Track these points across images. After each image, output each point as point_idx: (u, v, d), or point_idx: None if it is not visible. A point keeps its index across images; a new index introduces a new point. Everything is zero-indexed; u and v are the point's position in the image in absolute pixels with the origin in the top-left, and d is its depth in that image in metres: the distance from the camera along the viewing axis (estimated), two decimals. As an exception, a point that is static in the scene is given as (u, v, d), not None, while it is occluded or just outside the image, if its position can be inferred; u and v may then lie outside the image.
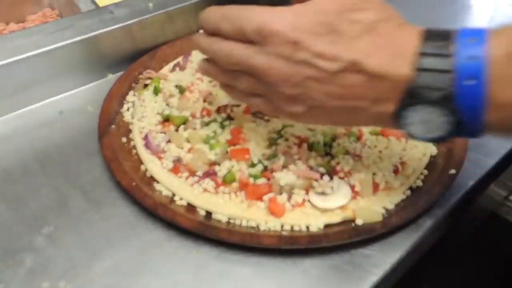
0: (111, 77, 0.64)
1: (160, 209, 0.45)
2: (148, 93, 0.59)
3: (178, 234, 0.45)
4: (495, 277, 1.05)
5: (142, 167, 0.51)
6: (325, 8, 0.37)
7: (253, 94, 0.43)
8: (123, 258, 0.43)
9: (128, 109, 0.58)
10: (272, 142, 0.51)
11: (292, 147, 0.51)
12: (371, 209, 0.46)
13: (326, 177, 0.48)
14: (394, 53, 0.36)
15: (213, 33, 0.43)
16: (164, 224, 0.46)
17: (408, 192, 0.48)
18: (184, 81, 0.60)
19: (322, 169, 0.49)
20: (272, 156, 0.50)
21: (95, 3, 0.70)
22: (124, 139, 0.54)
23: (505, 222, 1.32)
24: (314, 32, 0.37)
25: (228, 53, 0.41)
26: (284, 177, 0.48)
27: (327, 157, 0.51)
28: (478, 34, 0.35)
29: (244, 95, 0.45)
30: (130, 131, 0.55)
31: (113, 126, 0.54)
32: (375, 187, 0.48)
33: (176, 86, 0.59)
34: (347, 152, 0.51)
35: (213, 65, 0.46)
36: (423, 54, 0.35)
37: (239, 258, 0.43)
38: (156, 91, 0.58)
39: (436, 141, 0.39)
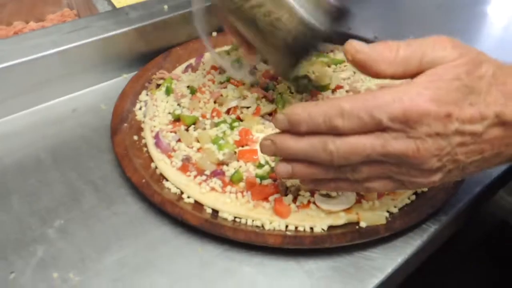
0: (125, 77, 0.66)
1: (168, 206, 0.46)
2: (160, 93, 0.60)
3: (185, 231, 0.46)
4: (505, 285, 1.04)
5: (152, 165, 0.52)
6: (456, 74, 0.36)
7: (372, 179, 0.40)
8: (131, 252, 0.44)
9: (140, 108, 0.59)
10: None
11: None
12: (375, 212, 0.46)
13: (332, 180, 0.48)
14: None
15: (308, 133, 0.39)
16: (171, 221, 0.47)
17: (413, 197, 0.49)
18: (196, 82, 0.61)
19: (328, 172, 0.49)
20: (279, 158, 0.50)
21: (112, 5, 0.72)
22: (135, 137, 0.55)
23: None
24: (457, 100, 0.36)
25: (358, 148, 0.37)
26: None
27: None
28: None
29: (355, 184, 0.41)
30: (141, 129, 0.56)
31: (125, 124, 0.56)
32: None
33: (188, 87, 0.60)
34: None
35: (308, 166, 0.41)
36: None
37: (243, 257, 0.44)
38: (168, 91, 0.60)
39: None
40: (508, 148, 0.39)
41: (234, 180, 0.49)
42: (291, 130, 0.40)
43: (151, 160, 0.52)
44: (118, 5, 0.71)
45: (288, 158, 0.41)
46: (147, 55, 0.66)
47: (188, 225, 0.45)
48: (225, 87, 0.60)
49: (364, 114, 0.36)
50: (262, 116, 0.56)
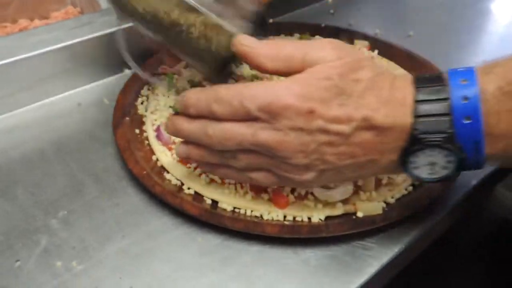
0: (128, 72, 0.67)
1: (169, 197, 0.47)
2: (161, 88, 0.61)
3: (185, 221, 0.47)
4: (507, 283, 1.04)
5: (153, 157, 0.53)
6: (327, 74, 0.38)
7: (253, 169, 0.42)
8: (132, 242, 0.45)
9: (142, 102, 0.60)
10: None
11: None
12: (372, 203, 0.47)
13: (330, 172, 0.49)
14: (395, 104, 0.38)
15: (197, 116, 0.42)
16: (171, 211, 0.48)
17: (410, 188, 0.49)
18: (197, 77, 0.62)
19: (326, 164, 0.50)
20: None
21: (114, 1, 0.73)
22: (137, 131, 0.56)
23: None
24: (324, 98, 0.37)
25: (230, 134, 0.40)
26: None
27: None
28: (468, 75, 0.37)
29: (240, 173, 0.43)
30: (143, 123, 0.57)
31: (127, 118, 0.57)
32: (378, 182, 0.49)
33: (189, 81, 0.61)
34: None
35: (197, 148, 0.44)
36: (421, 101, 0.37)
37: (242, 246, 0.45)
38: (170, 86, 0.61)
39: (441, 180, 0.40)
40: (383, 157, 0.39)
41: None
42: (184, 112, 0.43)
43: (152, 153, 0.53)
44: (121, 2, 0.72)
45: (184, 139, 0.44)
46: (150, 51, 0.67)
47: (188, 216, 0.46)
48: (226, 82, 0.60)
49: (236, 102, 0.39)
50: None
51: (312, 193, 0.48)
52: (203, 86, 0.60)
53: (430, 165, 0.39)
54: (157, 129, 0.55)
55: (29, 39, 0.61)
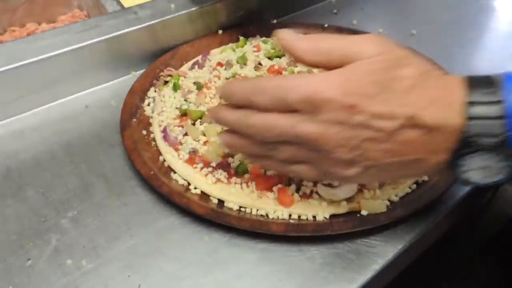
0: (134, 74, 0.68)
1: (176, 197, 0.48)
2: (168, 89, 0.62)
3: (192, 221, 0.48)
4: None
5: (160, 158, 0.54)
6: (371, 68, 0.37)
7: (294, 162, 0.42)
8: (140, 241, 0.46)
9: (148, 104, 0.61)
10: None
11: None
12: (376, 201, 0.48)
13: (334, 171, 0.50)
14: (444, 104, 0.37)
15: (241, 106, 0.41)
16: (179, 211, 0.49)
17: (414, 186, 0.50)
18: (202, 78, 0.63)
19: (330, 163, 0.50)
20: None
21: (120, 5, 0.74)
22: (144, 132, 0.57)
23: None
24: (367, 93, 0.36)
25: (270, 125, 0.39)
26: None
27: None
28: None
29: (282, 164, 0.43)
30: (150, 124, 0.58)
31: (134, 120, 0.58)
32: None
33: (194, 83, 0.62)
34: None
35: (240, 138, 0.43)
36: (472, 103, 0.36)
37: (248, 244, 0.46)
38: (176, 88, 0.62)
39: (496, 184, 0.38)
40: (431, 157, 0.38)
41: (239, 171, 0.50)
42: (227, 101, 0.43)
43: (159, 153, 0.54)
44: (126, 5, 0.73)
45: (227, 127, 0.44)
46: (155, 53, 0.68)
47: (195, 215, 0.47)
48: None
49: (277, 93, 0.38)
50: None
51: (317, 192, 0.49)
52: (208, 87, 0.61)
53: (482, 169, 0.38)
54: (164, 130, 0.56)
55: (37, 43, 0.62)
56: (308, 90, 0.37)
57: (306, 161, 0.41)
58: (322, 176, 0.42)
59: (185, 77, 0.64)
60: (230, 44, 0.70)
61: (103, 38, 0.64)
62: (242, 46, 0.69)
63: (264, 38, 0.71)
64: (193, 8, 0.70)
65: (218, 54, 0.68)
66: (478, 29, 0.81)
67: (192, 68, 0.66)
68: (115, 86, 0.67)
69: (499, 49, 0.76)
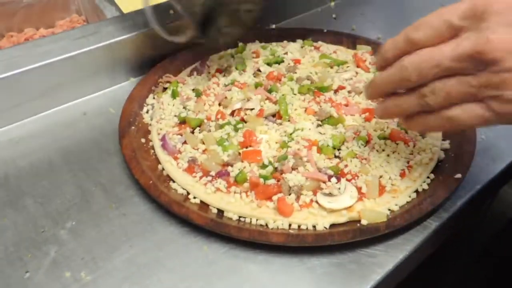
0: (133, 81, 0.68)
1: (175, 206, 0.48)
2: (166, 96, 0.62)
3: (191, 230, 0.48)
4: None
5: (159, 167, 0.53)
6: None
7: (455, 104, 0.38)
8: (140, 251, 0.46)
9: (147, 111, 0.61)
10: (283, 145, 0.54)
11: (302, 150, 0.53)
12: (376, 210, 0.47)
13: (333, 179, 0.50)
14: None
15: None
16: (178, 221, 0.48)
17: (414, 195, 0.50)
18: (201, 85, 0.62)
19: (330, 171, 0.50)
20: (283, 158, 0.52)
21: (119, 10, 0.74)
22: (143, 140, 0.57)
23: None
24: None
25: (425, 57, 0.37)
26: (293, 178, 0.50)
27: (335, 159, 0.52)
28: None
29: (440, 116, 0.39)
30: (148, 132, 0.58)
31: (133, 127, 0.58)
32: (381, 190, 0.50)
33: (193, 89, 0.62)
34: (355, 155, 0.52)
35: (393, 98, 0.42)
36: None
37: (247, 255, 0.45)
38: (174, 95, 0.61)
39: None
40: None
41: (239, 180, 0.50)
42: (382, 62, 0.42)
43: (158, 162, 0.54)
44: (125, 11, 0.73)
45: (381, 90, 0.43)
46: (154, 59, 0.68)
47: (194, 225, 0.47)
48: (230, 90, 0.61)
49: (436, 20, 0.37)
50: (266, 117, 0.57)
51: (316, 201, 0.48)
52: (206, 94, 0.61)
53: None
54: (163, 138, 0.55)
55: (35, 49, 0.62)
56: (468, 2, 0.35)
57: (469, 97, 0.37)
58: (488, 114, 0.37)
59: (183, 83, 0.64)
60: (229, 50, 0.70)
61: (101, 44, 0.64)
62: (241, 52, 0.69)
63: (263, 44, 0.71)
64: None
65: (216, 60, 0.68)
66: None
67: (191, 74, 0.66)
68: (114, 93, 0.66)
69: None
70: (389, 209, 0.48)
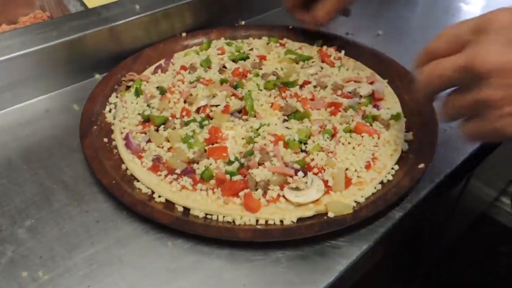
0: (98, 77, 0.66)
1: (139, 206, 0.47)
2: (129, 95, 0.61)
3: (155, 227, 0.47)
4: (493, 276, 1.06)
5: (123, 166, 0.52)
6: None
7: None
8: (101, 249, 0.44)
9: (110, 111, 0.59)
10: (249, 141, 0.53)
11: (268, 145, 0.52)
12: (342, 202, 0.47)
13: (300, 173, 0.49)
14: None
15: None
16: (142, 218, 0.47)
17: (379, 186, 0.50)
18: (166, 82, 0.62)
19: (296, 165, 0.50)
20: (249, 154, 0.51)
21: (84, 5, 0.72)
22: (105, 139, 0.55)
23: (495, 222, 1.34)
24: None
25: (436, 65, 0.39)
26: (259, 174, 0.49)
27: (302, 154, 0.52)
28: None
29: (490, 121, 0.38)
30: (111, 131, 0.57)
31: (95, 127, 0.56)
32: (348, 182, 0.50)
33: (158, 87, 0.61)
34: (321, 149, 0.52)
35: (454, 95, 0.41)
36: None
37: (212, 250, 0.45)
38: (138, 93, 0.60)
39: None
40: None
41: (205, 177, 0.49)
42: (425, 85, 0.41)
43: (122, 162, 0.53)
44: (90, 6, 0.71)
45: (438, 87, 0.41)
46: (120, 55, 0.67)
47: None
48: (195, 87, 0.60)
49: (451, 32, 0.39)
50: (232, 114, 0.57)
51: (283, 196, 0.48)
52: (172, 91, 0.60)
53: None
54: (126, 137, 0.54)
55: (-5, 44, 0.60)
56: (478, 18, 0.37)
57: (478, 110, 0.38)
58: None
59: (148, 81, 0.63)
60: (194, 47, 0.69)
61: (64, 39, 0.62)
62: (206, 49, 0.68)
63: (228, 41, 0.70)
64: (158, 9, 0.69)
65: (181, 58, 0.67)
66: (442, 27, 0.82)
67: (155, 72, 0.65)
68: (78, 89, 0.65)
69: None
70: (355, 201, 0.48)
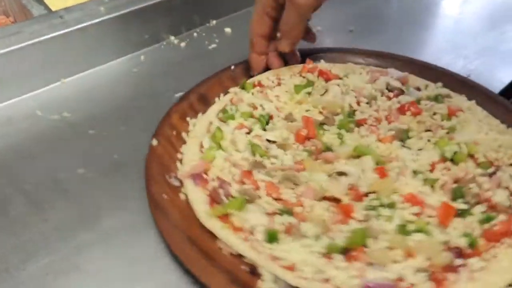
0: (64, 82, 0.65)
1: None
2: None
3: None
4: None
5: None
6: None
7: None
8: (58, 258, 0.43)
9: None
10: None
11: None
12: None
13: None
14: None
15: None
16: (101, 225, 0.46)
17: None
18: None
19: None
20: None
21: (47, 8, 0.70)
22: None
23: None
24: None
25: None
26: None
27: None
28: None
29: None
30: None
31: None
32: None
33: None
34: None
35: None
36: None
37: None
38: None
39: None
40: None
41: None
42: None
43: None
44: (53, 8, 0.70)
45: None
46: (86, 58, 0.65)
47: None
48: None
49: None
50: None
51: None
52: None
53: None
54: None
55: (-48, 51, 0.58)
56: None
57: None
58: None
59: None
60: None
61: (25, 44, 0.61)
62: None
63: None
64: (125, 11, 0.68)
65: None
66: (418, 24, 0.81)
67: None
68: (42, 95, 0.63)
69: (438, 43, 0.77)
70: None
